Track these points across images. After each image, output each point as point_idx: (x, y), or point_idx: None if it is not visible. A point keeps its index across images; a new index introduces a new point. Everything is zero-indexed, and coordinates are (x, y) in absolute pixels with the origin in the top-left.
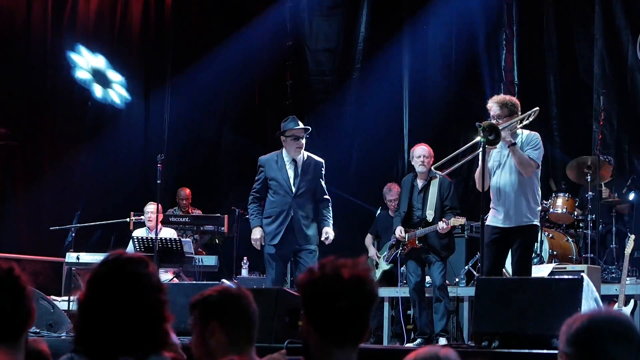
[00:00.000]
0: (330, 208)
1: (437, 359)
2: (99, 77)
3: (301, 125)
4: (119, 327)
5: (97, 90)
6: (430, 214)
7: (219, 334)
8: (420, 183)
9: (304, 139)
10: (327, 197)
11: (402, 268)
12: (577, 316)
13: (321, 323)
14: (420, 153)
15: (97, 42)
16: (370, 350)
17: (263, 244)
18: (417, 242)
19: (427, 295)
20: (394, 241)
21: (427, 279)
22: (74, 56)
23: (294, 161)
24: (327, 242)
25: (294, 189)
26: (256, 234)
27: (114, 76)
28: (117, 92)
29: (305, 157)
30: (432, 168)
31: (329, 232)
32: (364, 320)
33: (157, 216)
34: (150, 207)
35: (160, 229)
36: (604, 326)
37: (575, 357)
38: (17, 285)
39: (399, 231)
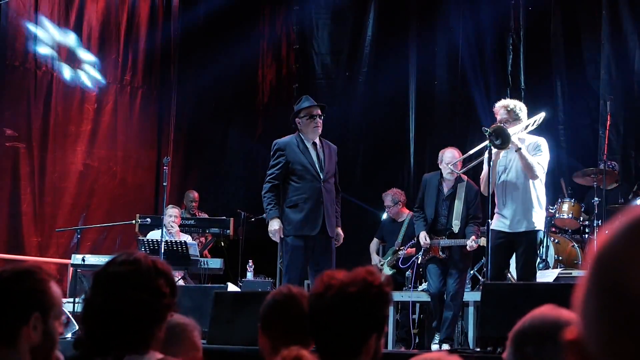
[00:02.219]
0: (340, 203)
1: None
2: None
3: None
4: (97, 326)
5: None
6: (456, 225)
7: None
8: (446, 189)
9: (321, 119)
10: (339, 188)
11: (407, 273)
12: (523, 319)
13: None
14: (450, 160)
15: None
16: None
17: (282, 235)
18: (440, 252)
19: None
20: (399, 247)
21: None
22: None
23: (314, 144)
24: (337, 244)
25: (322, 174)
26: (275, 225)
27: (86, 56)
28: (89, 73)
29: (323, 140)
30: (450, 166)
31: (340, 234)
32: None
33: (170, 218)
34: (173, 211)
35: (178, 234)
36: (536, 328)
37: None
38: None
39: (424, 237)
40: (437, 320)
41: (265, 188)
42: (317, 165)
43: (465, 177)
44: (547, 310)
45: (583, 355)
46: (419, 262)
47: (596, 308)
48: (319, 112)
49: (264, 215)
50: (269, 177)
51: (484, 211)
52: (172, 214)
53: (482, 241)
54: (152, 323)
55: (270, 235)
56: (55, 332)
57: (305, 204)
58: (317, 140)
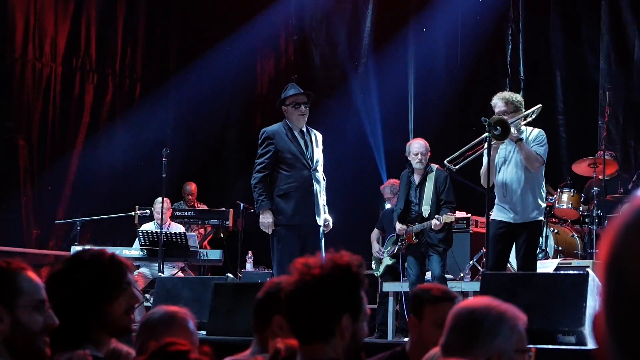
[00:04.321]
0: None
1: None
2: None
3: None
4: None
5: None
6: (426, 209)
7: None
8: (417, 178)
9: (307, 107)
10: (324, 177)
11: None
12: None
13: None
14: (418, 150)
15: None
16: (375, 344)
17: (274, 228)
18: (413, 237)
19: None
20: (394, 236)
21: (428, 275)
22: None
23: (301, 131)
24: (326, 231)
25: (311, 162)
26: (268, 217)
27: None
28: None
29: (309, 128)
30: (445, 162)
31: (329, 220)
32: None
33: (162, 211)
34: (163, 203)
35: (169, 224)
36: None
37: (456, 344)
38: None
39: (399, 227)
40: None
41: (255, 178)
42: (306, 153)
43: (435, 166)
44: (466, 302)
45: None
46: (395, 252)
47: (616, 318)
48: (305, 99)
49: (255, 205)
50: (259, 167)
51: (484, 202)
52: (162, 206)
53: (445, 218)
54: (84, 317)
55: (262, 227)
56: (32, 321)
57: (296, 193)
58: (303, 128)
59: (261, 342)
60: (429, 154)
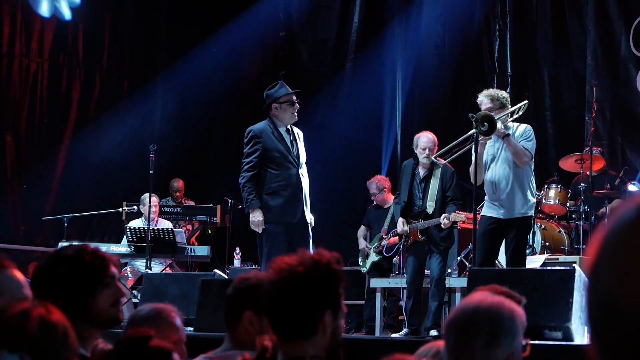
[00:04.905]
0: None
1: (438, 353)
2: None
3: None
4: None
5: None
6: (430, 205)
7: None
8: (422, 172)
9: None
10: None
11: (395, 259)
12: (455, 308)
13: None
14: (426, 145)
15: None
16: (363, 340)
17: (263, 227)
18: (419, 234)
19: (423, 286)
20: (384, 234)
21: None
22: None
23: (287, 130)
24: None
25: (297, 160)
26: (258, 216)
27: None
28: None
29: (291, 126)
30: (433, 158)
31: (311, 217)
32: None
33: (149, 207)
34: (151, 199)
35: (157, 220)
36: (459, 316)
37: (475, 346)
38: None
39: (401, 224)
40: (409, 307)
41: (244, 177)
42: (292, 151)
43: (442, 161)
44: (472, 298)
45: None
46: (401, 248)
47: (594, 321)
48: (296, 98)
49: (245, 205)
50: (247, 166)
51: (471, 199)
52: (148, 202)
53: (454, 216)
54: (68, 311)
55: (252, 226)
56: None
57: (285, 191)
58: (289, 126)
59: (232, 338)
60: (436, 149)
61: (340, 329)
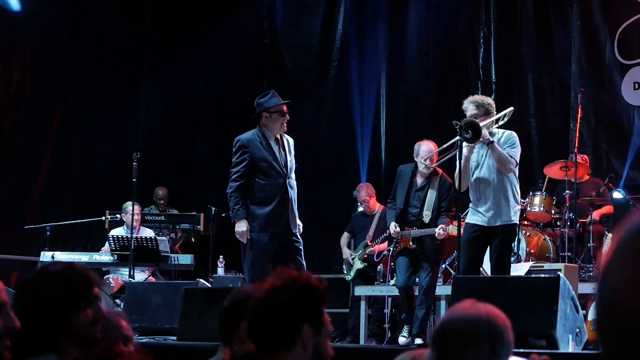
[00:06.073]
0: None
1: None
2: None
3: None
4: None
5: None
6: (427, 215)
7: None
8: (419, 181)
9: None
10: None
11: (379, 267)
12: (440, 319)
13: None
14: (425, 154)
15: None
16: (347, 349)
17: (249, 237)
18: (410, 242)
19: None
20: (369, 240)
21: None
22: None
23: (276, 139)
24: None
25: (285, 170)
26: (243, 226)
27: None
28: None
29: (282, 135)
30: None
31: (299, 224)
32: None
33: (132, 216)
34: (133, 208)
35: (139, 229)
36: (457, 327)
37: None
38: None
39: (394, 227)
40: (405, 313)
41: (232, 187)
42: (280, 161)
43: (440, 171)
44: (466, 307)
45: None
46: (390, 254)
47: (600, 325)
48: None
49: (231, 214)
50: (235, 176)
51: (456, 206)
52: (130, 211)
53: (451, 229)
54: (50, 326)
55: (238, 236)
56: None
57: (272, 201)
58: (278, 135)
59: (226, 349)
60: (435, 159)
61: (325, 348)
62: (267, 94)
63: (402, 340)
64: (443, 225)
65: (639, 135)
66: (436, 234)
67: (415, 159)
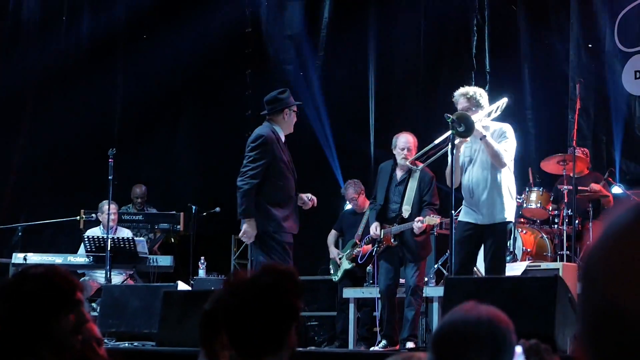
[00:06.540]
0: None
1: None
2: None
3: None
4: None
5: None
6: (406, 210)
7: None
8: (399, 174)
9: None
10: None
11: (368, 267)
12: (440, 321)
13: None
14: (404, 145)
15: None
16: (336, 354)
17: (253, 239)
18: (392, 239)
19: (398, 295)
20: (358, 240)
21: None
22: None
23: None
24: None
25: (294, 170)
26: (253, 226)
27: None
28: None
29: None
30: (407, 162)
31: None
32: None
33: (108, 215)
34: (109, 207)
35: (116, 229)
36: (458, 330)
37: None
38: None
39: (374, 228)
40: (385, 322)
41: (248, 184)
42: (291, 161)
43: (420, 164)
44: (467, 309)
45: None
46: (374, 254)
47: (589, 327)
48: None
49: (239, 211)
50: (252, 172)
51: (448, 203)
52: (106, 210)
53: (428, 220)
54: (28, 331)
55: (245, 235)
56: None
57: (289, 203)
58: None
59: (208, 355)
60: (415, 150)
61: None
62: (285, 91)
63: (382, 345)
64: (420, 218)
65: None
66: (415, 228)
67: (394, 152)
